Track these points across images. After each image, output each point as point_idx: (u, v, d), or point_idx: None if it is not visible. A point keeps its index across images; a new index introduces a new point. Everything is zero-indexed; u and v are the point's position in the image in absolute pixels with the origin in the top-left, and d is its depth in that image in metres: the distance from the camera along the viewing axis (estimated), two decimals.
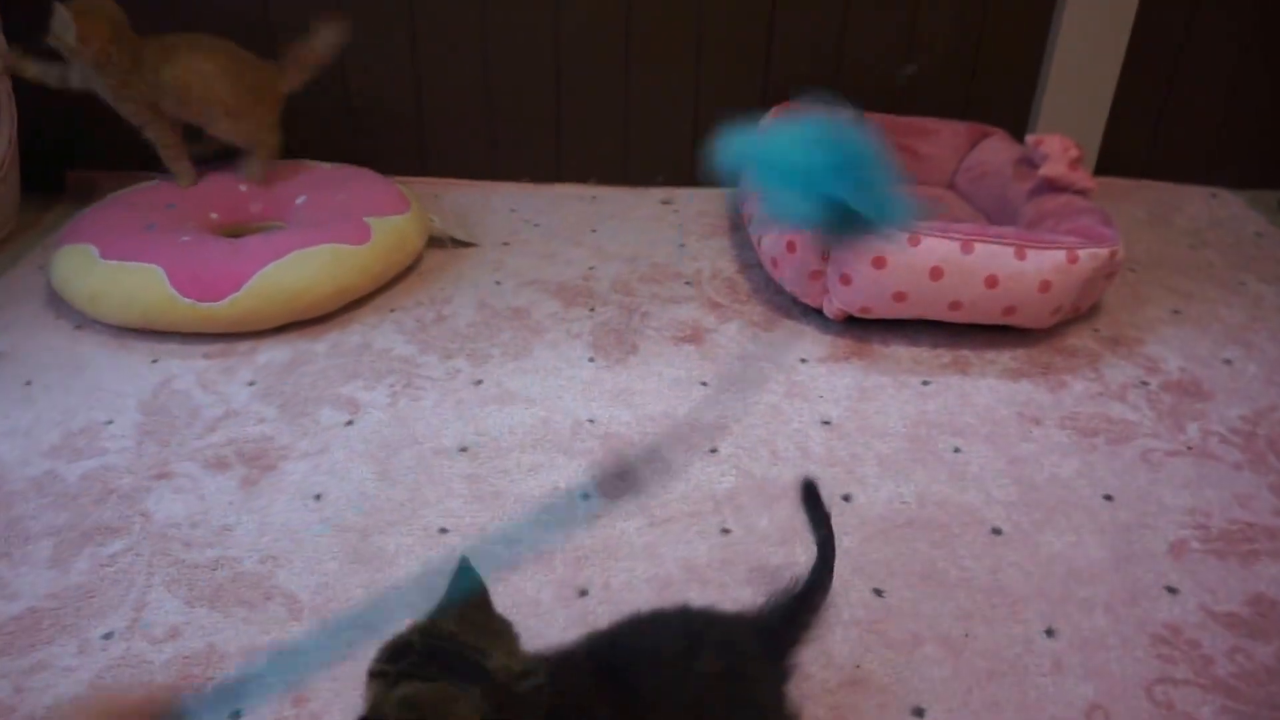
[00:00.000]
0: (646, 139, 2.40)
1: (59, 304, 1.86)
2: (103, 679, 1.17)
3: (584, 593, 1.29)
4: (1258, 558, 1.36)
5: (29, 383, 1.68)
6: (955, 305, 1.74)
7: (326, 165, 2.18)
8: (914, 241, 1.70)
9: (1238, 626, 1.26)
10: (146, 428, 1.57)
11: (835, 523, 1.39)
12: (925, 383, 1.71)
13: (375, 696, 0.77)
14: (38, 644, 1.21)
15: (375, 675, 0.78)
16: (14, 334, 1.82)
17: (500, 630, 0.89)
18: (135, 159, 2.21)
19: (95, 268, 1.77)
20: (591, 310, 1.91)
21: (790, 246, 1.81)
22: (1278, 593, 1.31)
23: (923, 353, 1.78)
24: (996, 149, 2.20)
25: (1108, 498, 1.46)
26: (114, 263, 1.77)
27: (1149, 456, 1.55)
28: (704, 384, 1.70)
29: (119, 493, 1.44)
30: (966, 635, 1.24)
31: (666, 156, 2.41)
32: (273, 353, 1.76)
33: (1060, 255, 1.72)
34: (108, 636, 1.22)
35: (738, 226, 2.23)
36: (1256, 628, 1.25)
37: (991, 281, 1.71)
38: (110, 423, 1.58)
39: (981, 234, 1.73)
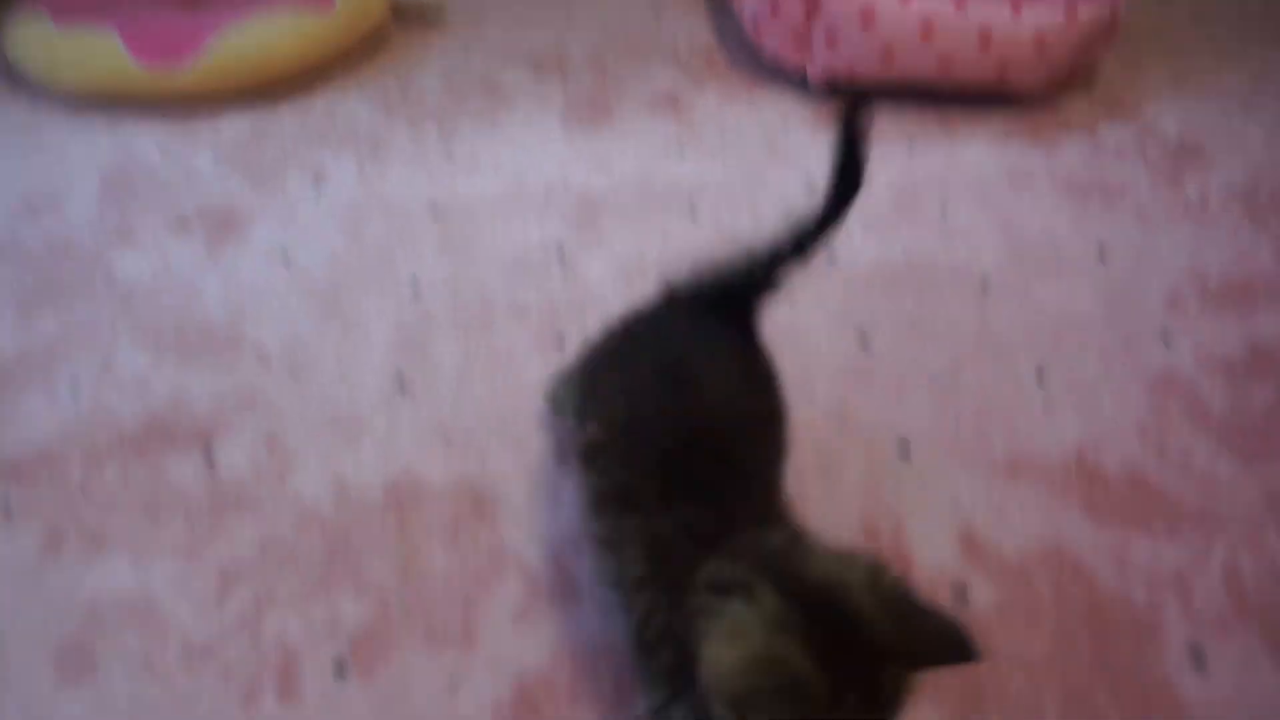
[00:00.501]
0: None
1: (15, 76, 1.76)
2: (71, 426, 1.14)
3: (560, 342, 1.25)
4: (1256, 309, 1.32)
5: None
6: (945, 66, 1.64)
7: None
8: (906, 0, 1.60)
9: (1233, 372, 1.23)
10: (108, 194, 1.50)
11: (821, 281, 1.37)
12: (912, 145, 1.63)
13: None
14: (4, 397, 1.17)
15: None
16: None
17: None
18: None
19: (49, 35, 1.66)
20: (565, 80, 1.82)
21: (774, 7, 1.70)
22: (1274, 341, 1.27)
23: (910, 116, 1.70)
24: None
25: (1102, 252, 1.41)
26: (68, 28, 1.66)
27: (1145, 215, 1.49)
28: (682, 149, 1.62)
29: (82, 256, 1.38)
30: (955, 379, 1.20)
31: None
32: (236, 123, 1.67)
33: (1058, 12, 1.61)
34: (76, 389, 1.18)
35: None
36: (1252, 372, 1.23)
37: (985, 40, 1.61)
38: (70, 190, 1.51)
39: None
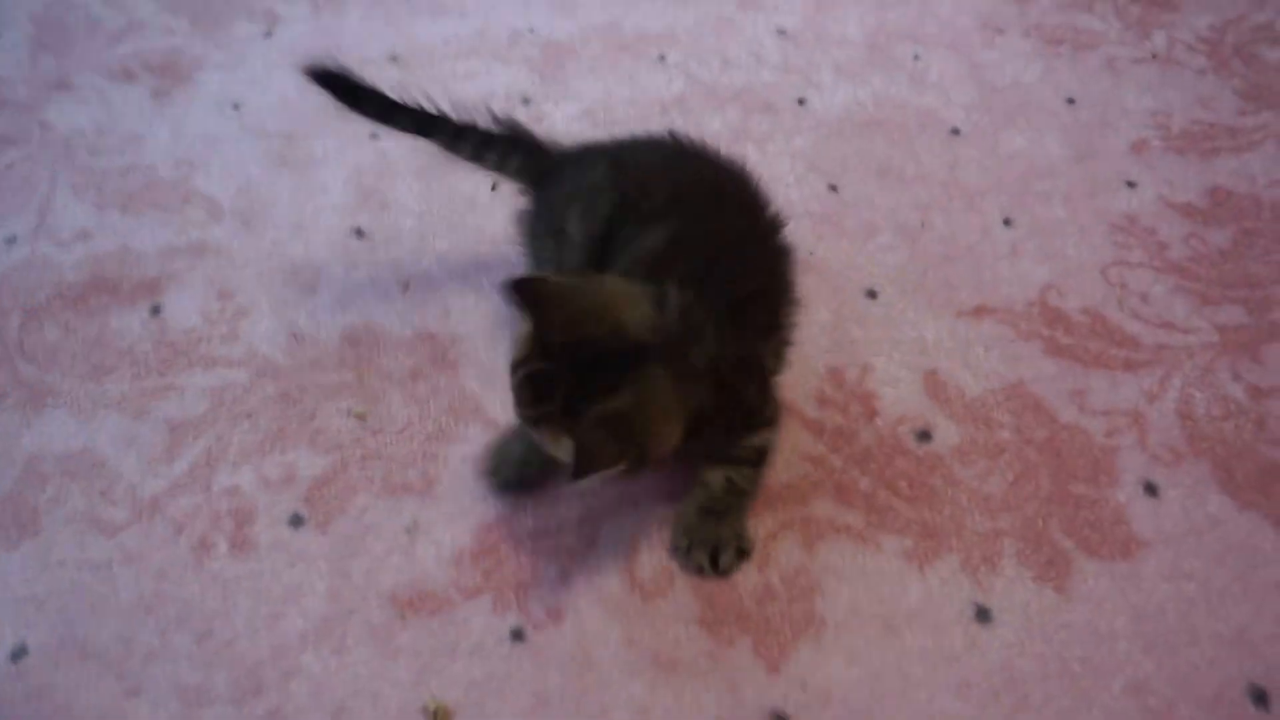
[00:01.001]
0: None
1: None
2: (7, 279, 1.07)
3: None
4: (1217, 154, 1.29)
5: None
6: None
7: None
8: None
9: (1194, 215, 1.20)
10: (41, 40, 1.40)
11: (791, 126, 1.31)
12: None
13: None
14: None
15: None
16: None
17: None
18: None
19: None
20: None
21: None
22: (1235, 184, 1.24)
23: None
24: None
25: (1070, 101, 1.36)
26: None
27: (1114, 63, 1.43)
28: None
29: (13, 104, 1.29)
30: (923, 225, 1.16)
31: None
32: None
33: None
34: (10, 240, 1.12)
35: None
36: (1212, 216, 1.19)
37: None
38: None
39: None
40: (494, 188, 1.15)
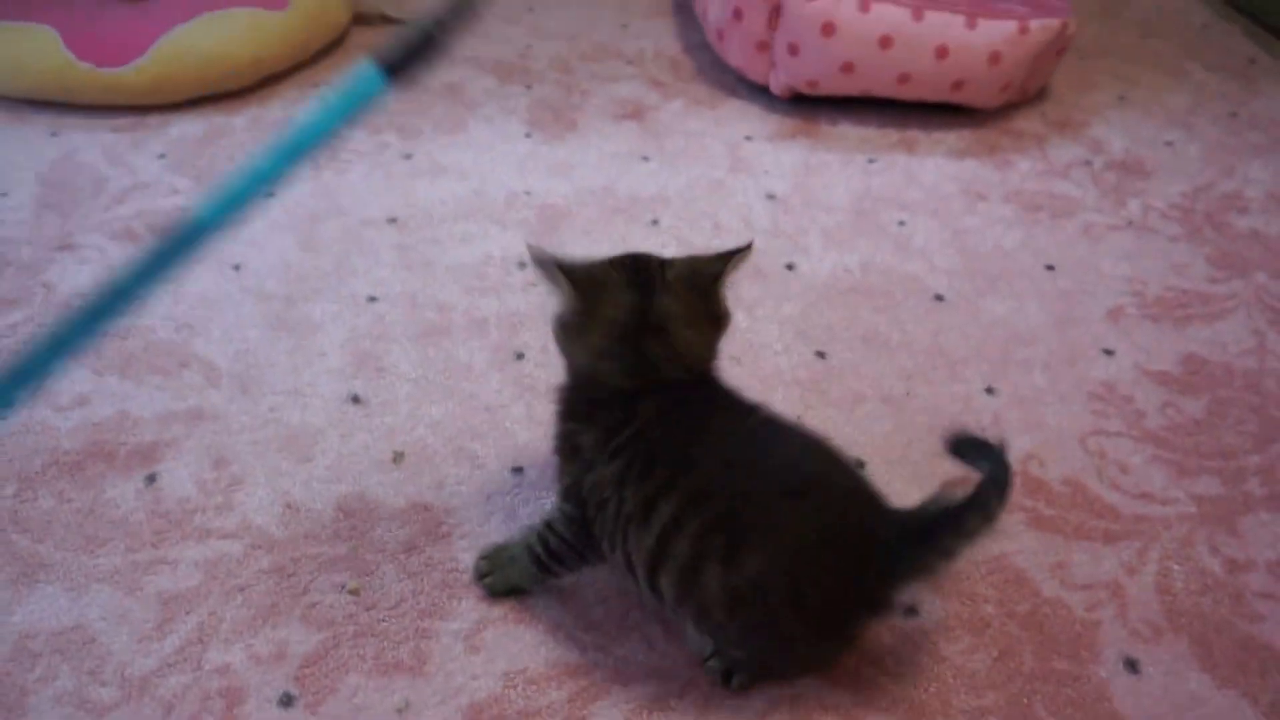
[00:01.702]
0: None
1: None
2: (2, 445, 1.07)
3: (520, 356, 1.20)
4: (1190, 321, 1.33)
5: None
6: (904, 78, 1.62)
7: None
8: (864, 8, 1.57)
9: (1169, 383, 1.23)
10: (46, 200, 1.43)
11: (780, 291, 1.35)
12: (871, 160, 1.61)
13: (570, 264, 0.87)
14: None
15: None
16: None
17: (714, 307, 0.92)
18: None
19: None
20: (529, 87, 1.77)
21: (737, 14, 1.67)
22: (1208, 352, 1.28)
23: (870, 132, 1.68)
24: None
25: (1049, 267, 1.40)
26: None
27: (1091, 230, 1.48)
28: (645, 159, 1.58)
29: (17, 264, 1.31)
30: (908, 394, 1.19)
31: None
32: (186, 126, 1.60)
33: (1011, 25, 1.60)
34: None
35: (681, 8, 2.07)
36: (1187, 384, 1.23)
37: (941, 52, 1.59)
38: (4, 195, 1.44)
39: (932, 2, 1.60)
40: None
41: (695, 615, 0.83)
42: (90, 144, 1.55)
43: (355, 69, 0.73)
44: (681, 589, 0.81)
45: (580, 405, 0.89)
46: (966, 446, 0.89)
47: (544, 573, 0.93)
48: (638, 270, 0.88)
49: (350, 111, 0.73)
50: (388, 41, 0.73)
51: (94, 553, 0.97)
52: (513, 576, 0.95)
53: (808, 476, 0.83)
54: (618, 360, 0.85)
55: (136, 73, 1.55)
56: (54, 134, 1.58)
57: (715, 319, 0.88)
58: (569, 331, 0.87)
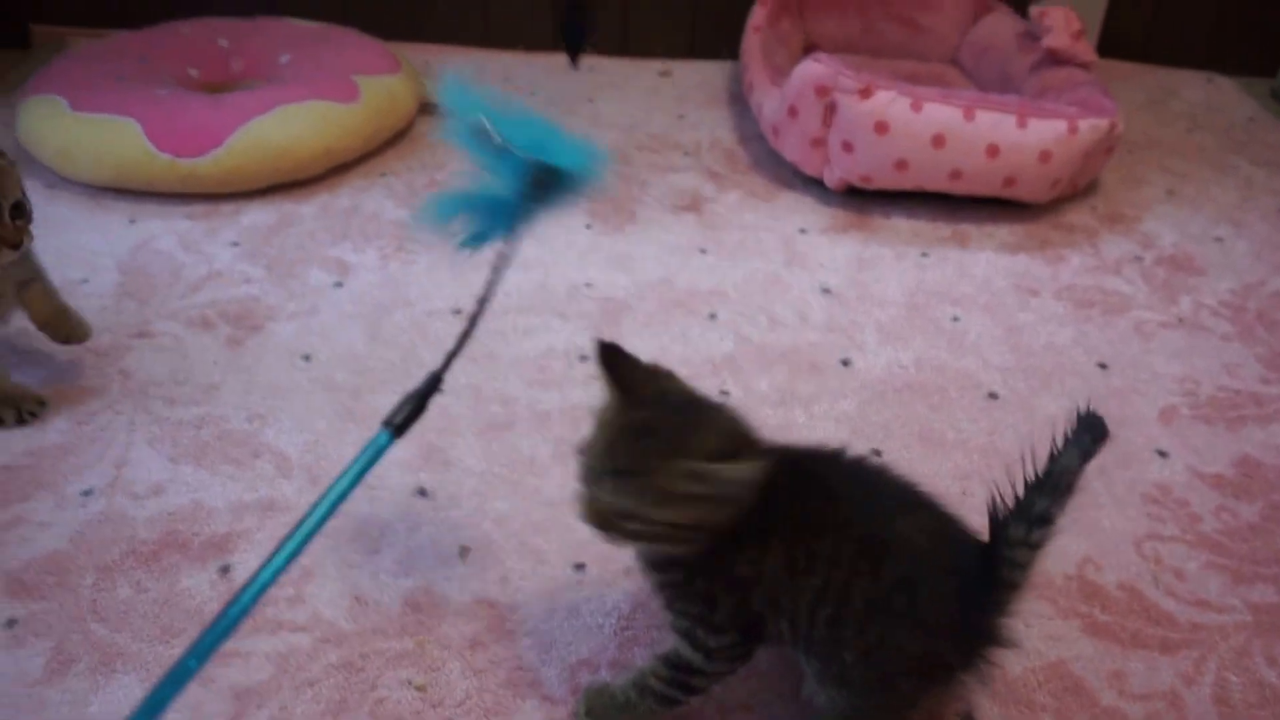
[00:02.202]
0: (645, 9, 2.28)
1: (29, 162, 1.74)
2: (82, 534, 1.10)
3: (583, 452, 1.23)
4: (1244, 422, 1.33)
5: None
6: (955, 175, 1.65)
7: (311, 24, 2.04)
8: (916, 107, 1.61)
9: (1224, 487, 1.22)
10: (125, 287, 1.47)
11: (833, 387, 1.36)
12: (924, 254, 1.63)
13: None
14: (13, 500, 1.13)
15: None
16: None
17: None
18: (106, 15, 2.08)
19: (65, 120, 1.65)
20: None
21: (792, 112, 1.71)
22: (1263, 455, 1.27)
23: (922, 225, 1.71)
24: (999, 23, 2.10)
25: (1102, 365, 1.41)
26: (85, 115, 1.65)
27: (1142, 327, 1.49)
28: (703, 251, 1.61)
29: (96, 350, 1.35)
30: (963, 493, 1.19)
31: (665, 28, 2.29)
32: (258, 214, 1.66)
33: (1061, 125, 1.63)
34: (87, 493, 1.15)
35: (736, 98, 2.12)
36: (1242, 488, 1.22)
37: (993, 151, 1.62)
38: (86, 281, 1.48)
39: (984, 102, 1.64)
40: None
41: (831, 649, 0.84)
42: (166, 231, 1.60)
43: (371, 441, 0.91)
44: (832, 618, 0.82)
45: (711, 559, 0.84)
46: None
47: (669, 709, 0.91)
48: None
49: (366, 471, 0.90)
50: (395, 406, 0.93)
51: (169, 643, 0.99)
52: None
53: (913, 496, 0.90)
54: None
55: (213, 163, 1.61)
56: (132, 221, 1.63)
57: None
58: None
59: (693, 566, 0.84)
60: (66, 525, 1.11)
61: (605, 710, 0.93)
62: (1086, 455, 0.84)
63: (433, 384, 0.95)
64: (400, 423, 0.92)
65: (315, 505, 0.87)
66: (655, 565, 0.87)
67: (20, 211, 1.16)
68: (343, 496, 0.88)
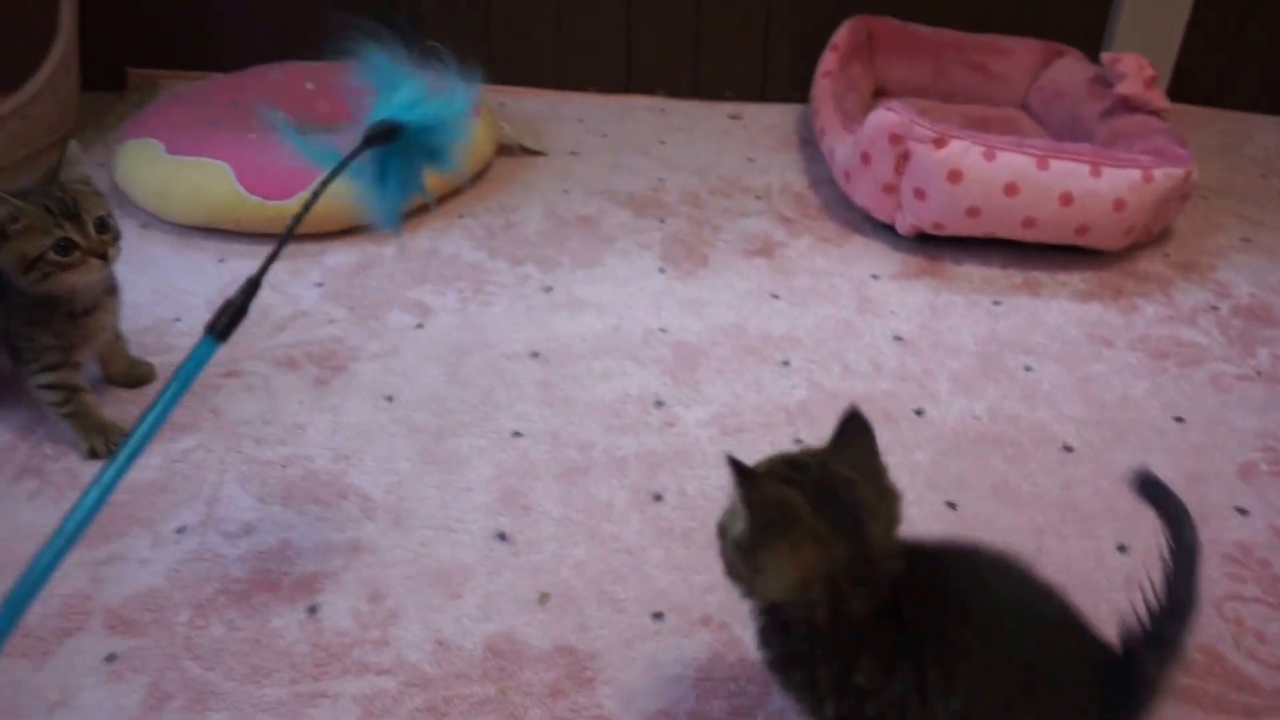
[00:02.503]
0: (716, 52, 2.31)
1: (123, 202, 1.80)
2: (178, 572, 1.13)
3: (658, 498, 1.24)
4: None
5: None
6: (1029, 223, 1.65)
7: None
8: (990, 156, 1.61)
9: None
10: None
11: (907, 437, 1.36)
12: (997, 302, 1.63)
13: (762, 482, 0.77)
14: (111, 536, 1.17)
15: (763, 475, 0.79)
16: None
17: (890, 494, 0.81)
18: (197, 59, 2.14)
19: (161, 163, 1.71)
20: (661, 221, 1.84)
21: (864, 159, 1.72)
22: None
23: (994, 272, 1.70)
24: (1071, 69, 2.10)
25: (1178, 419, 1.39)
26: (180, 158, 1.71)
27: (1219, 380, 1.47)
28: (775, 296, 1.62)
29: (189, 390, 1.38)
30: (1039, 549, 1.18)
31: (735, 71, 2.32)
32: (340, 255, 1.70)
33: (1135, 174, 1.62)
34: (181, 530, 1.18)
35: (807, 142, 2.14)
36: None
37: (1066, 199, 1.62)
38: (178, 320, 1.53)
39: (1057, 150, 1.63)
40: None
41: None
42: (253, 271, 1.64)
43: (195, 347, 0.95)
44: None
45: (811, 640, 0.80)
46: (1152, 489, 0.87)
47: None
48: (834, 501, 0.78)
49: (191, 378, 0.95)
50: (217, 311, 0.97)
51: (260, 683, 1.02)
52: None
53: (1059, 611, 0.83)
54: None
55: (297, 205, 1.64)
56: (221, 260, 1.68)
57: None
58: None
59: (797, 656, 0.81)
60: (162, 562, 1.14)
61: None
62: (1191, 558, 0.81)
63: (251, 289, 0.99)
64: (222, 329, 0.96)
65: (145, 413, 0.91)
66: (762, 642, 0.84)
67: (105, 227, 1.23)
68: (172, 402, 0.93)
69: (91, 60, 2.09)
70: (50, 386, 1.27)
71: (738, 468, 0.76)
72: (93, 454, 1.28)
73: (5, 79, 1.96)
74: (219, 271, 1.65)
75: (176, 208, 1.70)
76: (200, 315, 1.52)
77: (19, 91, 1.89)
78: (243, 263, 1.66)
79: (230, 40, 2.29)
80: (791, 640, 0.80)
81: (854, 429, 0.83)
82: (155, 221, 1.77)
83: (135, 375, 1.40)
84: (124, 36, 2.26)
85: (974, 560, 0.85)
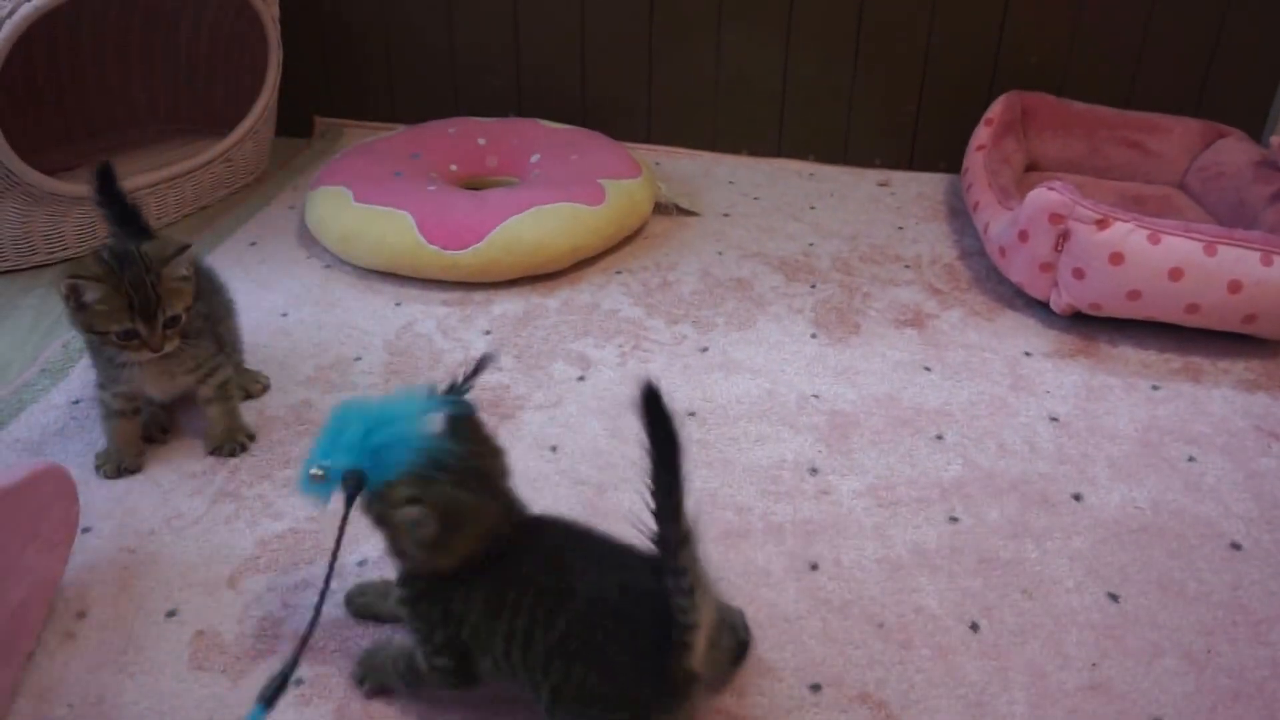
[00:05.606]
0: (867, 119, 2.30)
1: (309, 243, 1.88)
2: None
3: (814, 567, 1.22)
4: None
5: (285, 314, 1.70)
6: (1192, 308, 1.59)
7: (558, 126, 2.15)
8: (1155, 240, 1.56)
9: None
10: (393, 367, 1.56)
11: (1066, 522, 1.31)
12: (1155, 387, 1.57)
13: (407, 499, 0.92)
14: (300, 563, 1.21)
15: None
16: (271, 266, 1.85)
17: (500, 450, 1.03)
18: (377, 110, 2.22)
19: (349, 210, 1.78)
20: (813, 286, 1.83)
21: (1022, 236, 1.68)
22: None
23: (1151, 356, 1.64)
24: (1234, 149, 2.01)
25: None
26: (367, 206, 1.78)
27: None
28: (927, 369, 1.59)
29: None
30: (1209, 651, 1.12)
31: (886, 139, 2.31)
32: (507, 304, 1.73)
33: None
34: (362, 564, 1.21)
35: (956, 213, 2.11)
36: None
37: (1234, 286, 1.55)
38: (359, 359, 1.58)
39: (1227, 236, 1.57)
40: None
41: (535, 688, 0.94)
42: (426, 316, 1.70)
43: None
44: (529, 661, 0.92)
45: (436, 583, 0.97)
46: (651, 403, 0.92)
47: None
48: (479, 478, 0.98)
49: None
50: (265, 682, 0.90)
51: (431, 718, 1.04)
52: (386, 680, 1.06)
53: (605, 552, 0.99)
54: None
55: (473, 255, 1.70)
56: (398, 304, 1.73)
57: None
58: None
59: (420, 590, 0.98)
60: (345, 593, 1.17)
61: (371, 664, 1.07)
62: (674, 479, 0.92)
63: (292, 665, 0.91)
64: (270, 696, 0.90)
65: None
66: (398, 580, 1.01)
67: (175, 322, 1.25)
68: None
69: (283, 108, 2.20)
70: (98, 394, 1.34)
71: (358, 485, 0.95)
72: (97, 468, 1.34)
73: (216, 126, 2.08)
74: (396, 315, 1.70)
75: (361, 252, 1.76)
76: (379, 356, 1.58)
77: (226, 138, 2.00)
78: (417, 307, 1.71)
79: (407, 94, 2.39)
80: (423, 582, 0.98)
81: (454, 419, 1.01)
82: (338, 263, 1.85)
83: (227, 450, 1.38)
84: (313, 87, 2.37)
85: (559, 523, 1.04)
